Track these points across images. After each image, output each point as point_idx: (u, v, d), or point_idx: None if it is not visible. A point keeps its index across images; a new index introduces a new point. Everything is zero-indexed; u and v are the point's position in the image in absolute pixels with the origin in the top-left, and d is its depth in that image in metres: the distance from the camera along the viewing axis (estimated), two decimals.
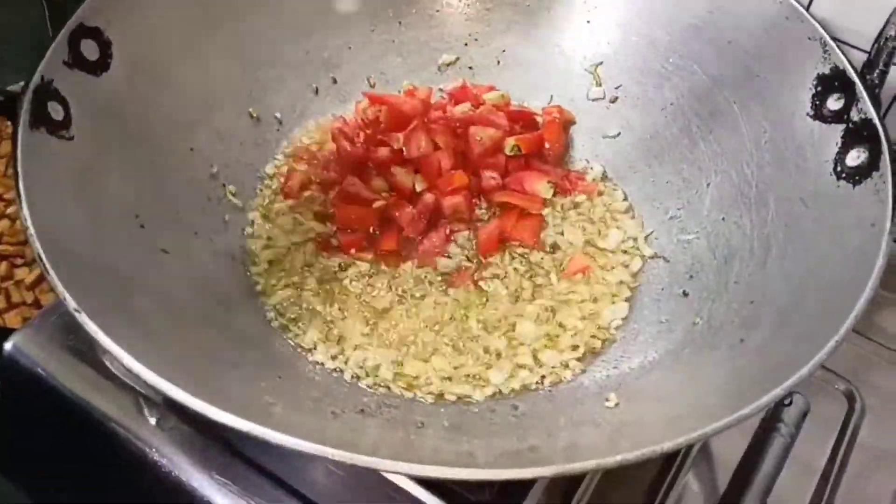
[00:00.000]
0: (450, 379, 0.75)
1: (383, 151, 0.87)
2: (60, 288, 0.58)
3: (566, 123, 0.93)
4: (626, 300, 0.82)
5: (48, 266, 0.60)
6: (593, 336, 0.79)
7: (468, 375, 0.76)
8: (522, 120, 0.93)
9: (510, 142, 0.89)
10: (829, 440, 0.86)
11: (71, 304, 0.58)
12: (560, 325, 0.80)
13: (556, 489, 0.74)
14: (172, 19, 0.83)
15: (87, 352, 0.81)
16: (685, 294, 0.80)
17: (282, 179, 0.89)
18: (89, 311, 0.58)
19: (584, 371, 0.77)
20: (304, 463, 0.74)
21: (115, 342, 0.56)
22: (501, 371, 0.76)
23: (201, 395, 0.55)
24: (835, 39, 0.79)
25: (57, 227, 0.65)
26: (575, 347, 0.78)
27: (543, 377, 0.77)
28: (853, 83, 0.75)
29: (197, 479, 0.76)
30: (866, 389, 0.89)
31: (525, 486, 0.70)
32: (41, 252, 0.60)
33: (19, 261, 1.27)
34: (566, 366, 0.77)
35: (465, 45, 0.97)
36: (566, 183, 0.90)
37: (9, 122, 1.29)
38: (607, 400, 0.71)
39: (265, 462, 0.75)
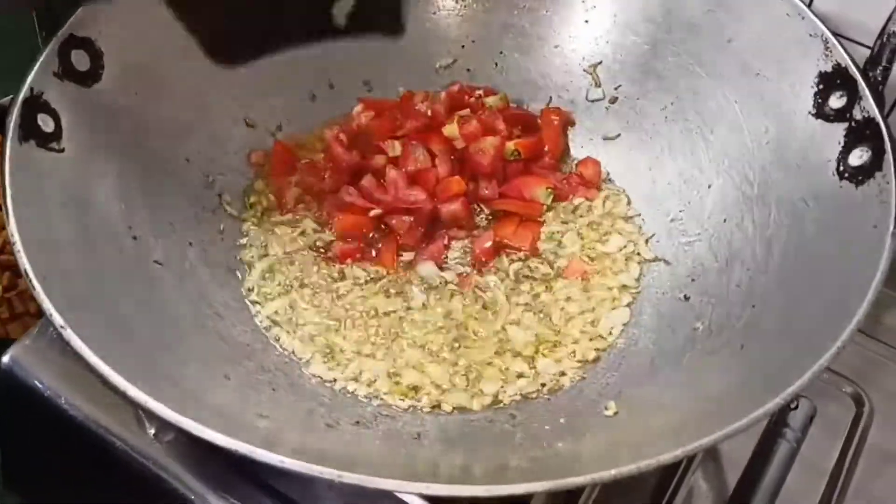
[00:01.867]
0: (446, 389, 0.74)
1: (379, 159, 0.86)
2: (47, 304, 0.58)
3: (565, 125, 0.92)
4: (628, 305, 0.81)
5: (35, 282, 0.59)
6: (592, 343, 0.78)
7: (465, 386, 0.75)
8: (522, 123, 0.91)
9: (510, 146, 0.88)
10: (837, 442, 0.84)
11: (57, 320, 0.57)
12: (557, 332, 0.79)
13: (559, 497, 0.73)
14: (165, 26, 0.82)
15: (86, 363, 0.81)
16: (686, 298, 0.79)
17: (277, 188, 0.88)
18: (76, 327, 0.57)
19: (583, 378, 0.76)
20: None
21: (102, 359, 0.55)
22: (496, 380, 0.75)
23: (189, 412, 0.54)
24: (838, 35, 0.78)
25: (46, 242, 0.64)
26: (573, 354, 0.77)
27: (543, 385, 0.75)
28: (855, 81, 0.73)
29: (195, 491, 0.76)
30: (875, 391, 0.87)
31: (524, 498, 0.69)
32: (28, 267, 0.60)
33: None
34: (563, 374, 0.76)
35: (463, 47, 0.95)
36: (565, 186, 0.89)
37: None
38: (606, 409, 0.70)
39: (263, 474, 0.74)
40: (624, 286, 0.82)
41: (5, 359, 0.82)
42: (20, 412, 0.85)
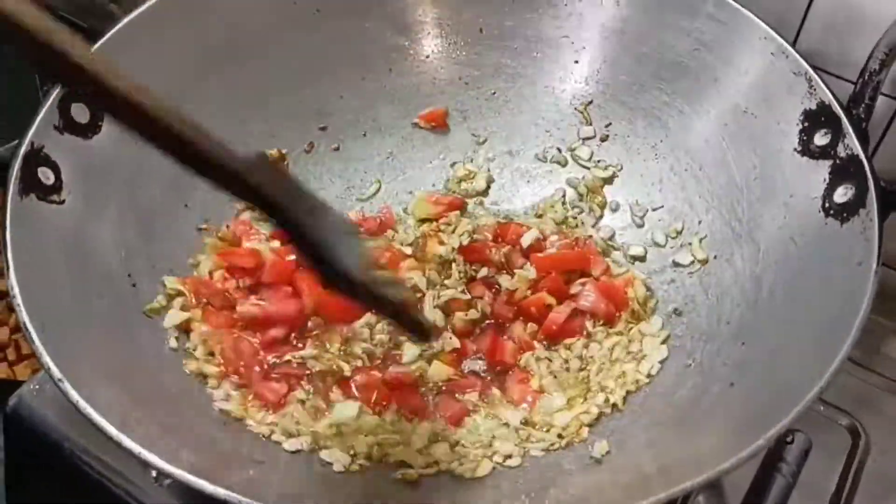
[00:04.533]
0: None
1: None
2: (45, 357, 0.60)
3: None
4: (664, 342, 0.80)
5: (33, 335, 0.61)
6: (625, 387, 0.77)
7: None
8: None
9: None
10: (834, 474, 0.85)
11: (55, 373, 0.59)
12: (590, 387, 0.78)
13: None
14: (163, 77, 0.82)
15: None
16: (677, 336, 0.80)
17: None
18: (73, 378, 0.59)
19: (598, 422, 0.75)
20: None
21: (96, 411, 0.57)
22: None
23: (182, 461, 0.56)
24: (824, 71, 0.79)
25: (45, 293, 0.66)
26: (606, 401, 0.76)
27: (560, 437, 0.74)
28: (839, 118, 0.74)
29: None
30: (871, 421, 0.88)
31: None
32: (27, 320, 0.62)
33: None
34: (582, 424, 0.75)
35: (456, 89, 0.97)
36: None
37: None
38: (598, 449, 0.70)
39: None
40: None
41: (12, 401, 0.84)
42: (26, 454, 0.86)
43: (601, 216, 0.91)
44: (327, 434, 0.71)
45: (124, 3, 1.35)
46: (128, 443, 0.56)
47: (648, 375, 0.77)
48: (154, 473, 0.80)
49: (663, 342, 0.80)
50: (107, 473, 0.80)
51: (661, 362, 0.79)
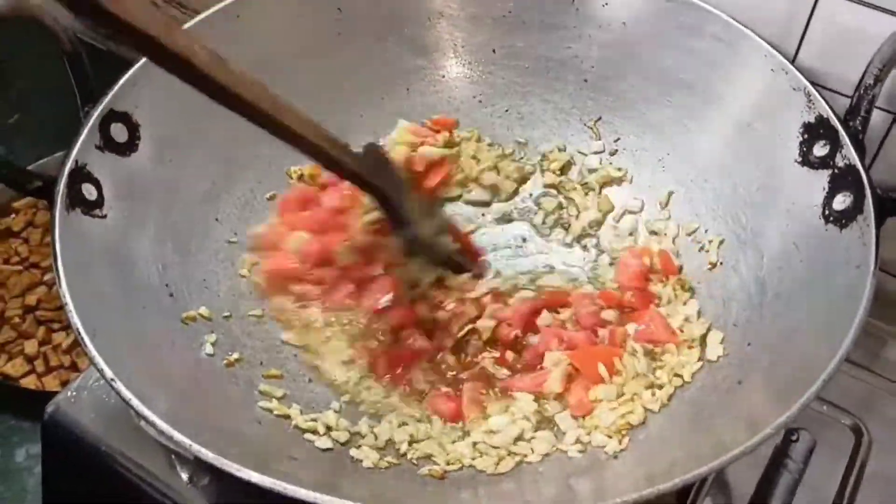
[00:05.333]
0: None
1: None
2: (98, 359, 0.64)
3: None
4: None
5: (86, 339, 0.65)
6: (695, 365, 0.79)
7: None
8: None
9: None
10: (837, 474, 0.88)
11: (108, 374, 0.63)
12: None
13: None
14: (195, 98, 0.88)
15: (123, 413, 0.86)
16: None
17: None
18: (124, 380, 0.63)
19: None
20: None
21: (148, 408, 0.61)
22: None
23: (227, 454, 0.59)
24: (822, 87, 0.84)
25: (92, 301, 0.70)
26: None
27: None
28: (837, 130, 0.79)
29: None
30: (874, 422, 0.91)
31: None
32: (79, 326, 0.66)
33: (56, 325, 1.33)
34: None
35: (470, 106, 1.01)
36: None
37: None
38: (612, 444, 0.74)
39: None
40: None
41: (49, 409, 0.88)
42: (64, 460, 0.90)
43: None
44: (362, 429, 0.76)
45: None
46: (178, 437, 0.59)
47: (701, 360, 0.79)
48: (186, 476, 0.83)
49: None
50: (143, 476, 0.84)
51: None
